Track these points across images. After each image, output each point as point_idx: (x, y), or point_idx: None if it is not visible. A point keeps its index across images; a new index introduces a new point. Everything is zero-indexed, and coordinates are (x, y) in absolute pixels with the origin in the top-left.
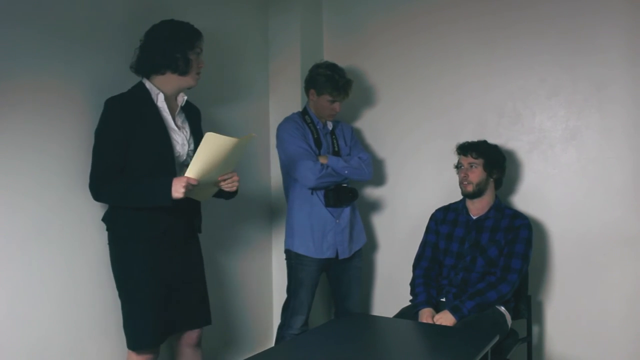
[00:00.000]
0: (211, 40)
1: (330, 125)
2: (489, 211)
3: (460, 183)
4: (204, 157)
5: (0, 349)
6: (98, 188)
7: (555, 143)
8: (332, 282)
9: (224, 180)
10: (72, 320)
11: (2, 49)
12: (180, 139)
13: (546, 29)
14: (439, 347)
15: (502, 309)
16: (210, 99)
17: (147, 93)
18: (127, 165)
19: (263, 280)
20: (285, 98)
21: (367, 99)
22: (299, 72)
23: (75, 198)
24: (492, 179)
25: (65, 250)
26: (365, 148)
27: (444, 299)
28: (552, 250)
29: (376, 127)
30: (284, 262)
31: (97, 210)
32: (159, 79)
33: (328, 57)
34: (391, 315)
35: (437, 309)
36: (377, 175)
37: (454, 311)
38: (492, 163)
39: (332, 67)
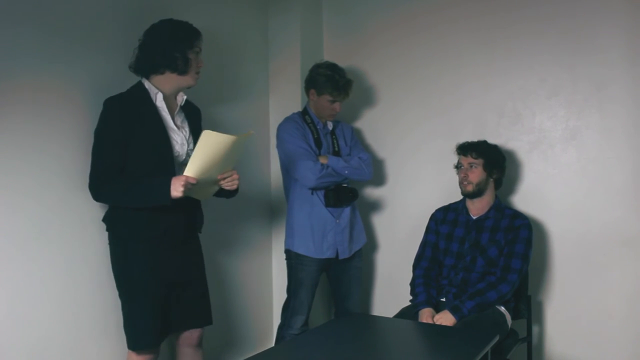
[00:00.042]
0: (211, 40)
1: (330, 125)
2: (489, 211)
3: (460, 183)
4: (202, 155)
5: (0, 349)
6: (97, 188)
7: (555, 143)
8: (332, 282)
9: (224, 178)
10: (72, 320)
11: (2, 49)
12: (179, 138)
13: (546, 29)
14: (439, 347)
15: (502, 309)
16: (210, 99)
17: (146, 93)
18: (126, 165)
19: (263, 280)
20: (285, 98)
21: (367, 99)
22: (299, 72)
23: (75, 198)
24: (492, 179)
25: (65, 250)
26: (366, 148)
27: (444, 299)
28: (552, 250)
29: (376, 127)
30: (284, 262)
31: (97, 210)
32: (158, 78)
33: (328, 57)
34: (391, 315)
35: (437, 309)
36: (377, 175)
37: (454, 311)
38: (492, 163)
39: (333, 67)
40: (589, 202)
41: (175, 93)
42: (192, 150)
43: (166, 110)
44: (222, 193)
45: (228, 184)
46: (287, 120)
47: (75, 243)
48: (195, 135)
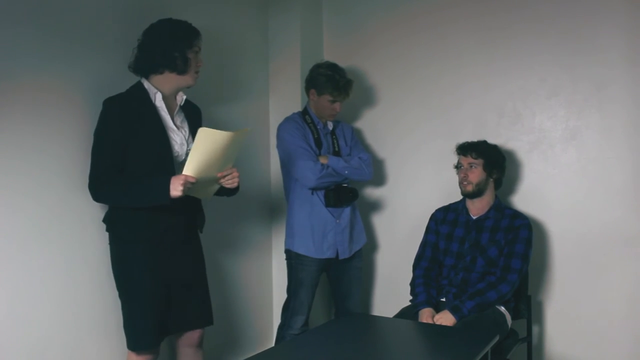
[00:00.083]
0: (211, 40)
1: (330, 125)
2: (488, 211)
3: (460, 183)
4: (199, 153)
5: (0, 349)
6: (97, 188)
7: (555, 143)
8: (332, 282)
9: (224, 176)
10: (72, 320)
11: (2, 49)
12: (178, 138)
13: (546, 29)
14: (439, 347)
15: (502, 309)
16: (210, 99)
17: (145, 93)
18: (126, 165)
19: (263, 280)
20: (285, 98)
21: (367, 99)
22: (299, 72)
23: (75, 198)
24: (491, 179)
25: (65, 250)
26: (366, 148)
27: (444, 299)
28: (552, 250)
29: (376, 127)
30: (284, 262)
31: (97, 210)
32: (157, 78)
33: (328, 57)
34: (391, 315)
35: (437, 309)
36: (377, 175)
37: (454, 311)
38: (491, 163)
39: (333, 67)
40: (589, 202)
41: (175, 93)
42: None
43: (165, 110)
44: (223, 191)
45: (228, 182)
46: (288, 120)
47: (75, 243)
48: (194, 135)
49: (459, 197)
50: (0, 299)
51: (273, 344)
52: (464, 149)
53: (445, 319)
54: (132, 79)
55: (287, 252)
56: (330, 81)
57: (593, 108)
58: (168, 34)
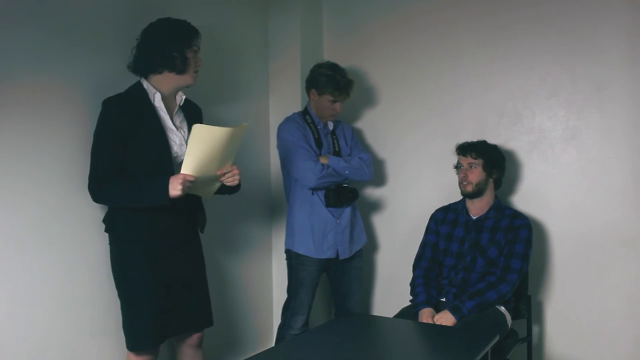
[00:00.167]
0: (211, 40)
1: (331, 126)
2: (488, 211)
3: (460, 183)
4: (196, 150)
5: (0, 349)
6: (96, 189)
7: (555, 143)
8: (332, 282)
9: (224, 174)
10: (72, 320)
11: (2, 50)
12: (177, 139)
13: (546, 29)
14: (439, 347)
15: (502, 309)
16: (210, 99)
17: (144, 93)
18: (125, 166)
19: (263, 281)
20: (285, 98)
21: (367, 99)
22: (299, 72)
23: (75, 198)
24: (491, 179)
25: (65, 250)
26: (366, 148)
27: (444, 299)
28: (552, 250)
29: (376, 127)
30: (284, 262)
31: (97, 210)
32: (156, 78)
33: (328, 57)
34: (391, 315)
35: (437, 309)
36: (378, 176)
37: (454, 311)
38: (491, 163)
39: (334, 67)
40: (589, 202)
41: (174, 92)
42: None
43: (164, 110)
44: (224, 189)
45: (229, 180)
46: (288, 120)
47: (75, 243)
48: None
49: (459, 197)
50: (0, 299)
51: (273, 344)
52: (464, 149)
53: (445, 319)
54: (132, 79)
55: (288, 252)
56: (331, 81)
57: (593, 108)
58: (167, 33)
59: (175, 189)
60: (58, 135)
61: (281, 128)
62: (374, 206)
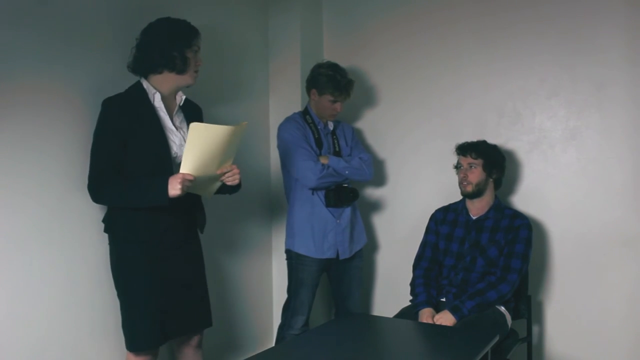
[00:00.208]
0: (211, 40)
1: (331, 126)
2: (488, 211)
3: (460, 183)
4: (194, 149)
5: (0, 349)
6: (96, 189)
7: (555, 143)
8: (332, 282)
9: (224, 173)
10: (72, 320)
11: (2, 50)
12: (177, 139)
13: (546, 29)
14: (439, 347)
15: (502, 309)
16: (210, 99)
17: (144, 93)
18: (125, 166)
19: (263, 281)
20: (285, 98)
21: (367, 99)
22: (299, 72)
23: (75, 198)
24: (491, 179)
25: (65, 250)
26: (366, 148)
27: (444, 299)
28: (552, 250)
29: (376, 127)
30: (284, 262)
31: (97, 210)
32: (156, 78)
33: (328, 57)
34: (391, 315)
35: (437, 309)
36: (378, 176)
37: (454, 311)
38: (491, 163)
39: (334, 67)
40: (589, 202)
41: (174, 92)
42: None
43: (164, 110)
44: (225, 189)
45: (229, 179)
46: (288, 120)
47: (75, 243)
48: None
49: (459, 197)
50: (0, 299)
51: (273, 344)
52: (464, 149)
53: (445, 319)
54: (132, 79)
55: (288, 252)
56: (331, 81)
57: (593, 108)
58: (166, 33)
59: (174, 188)
60: (58, 135)
61: (281, 128)
62: (374, 206)
